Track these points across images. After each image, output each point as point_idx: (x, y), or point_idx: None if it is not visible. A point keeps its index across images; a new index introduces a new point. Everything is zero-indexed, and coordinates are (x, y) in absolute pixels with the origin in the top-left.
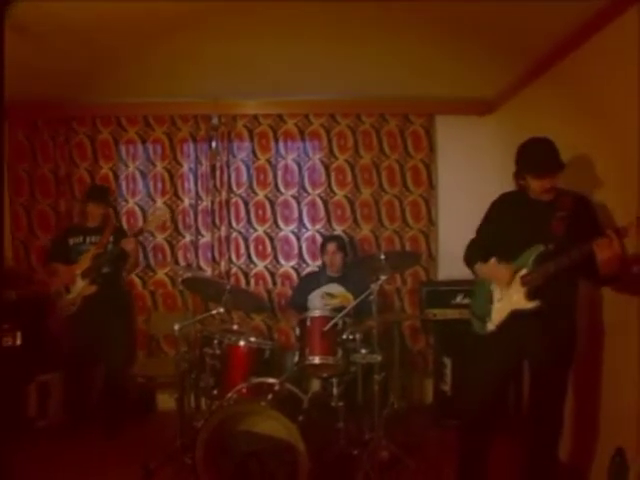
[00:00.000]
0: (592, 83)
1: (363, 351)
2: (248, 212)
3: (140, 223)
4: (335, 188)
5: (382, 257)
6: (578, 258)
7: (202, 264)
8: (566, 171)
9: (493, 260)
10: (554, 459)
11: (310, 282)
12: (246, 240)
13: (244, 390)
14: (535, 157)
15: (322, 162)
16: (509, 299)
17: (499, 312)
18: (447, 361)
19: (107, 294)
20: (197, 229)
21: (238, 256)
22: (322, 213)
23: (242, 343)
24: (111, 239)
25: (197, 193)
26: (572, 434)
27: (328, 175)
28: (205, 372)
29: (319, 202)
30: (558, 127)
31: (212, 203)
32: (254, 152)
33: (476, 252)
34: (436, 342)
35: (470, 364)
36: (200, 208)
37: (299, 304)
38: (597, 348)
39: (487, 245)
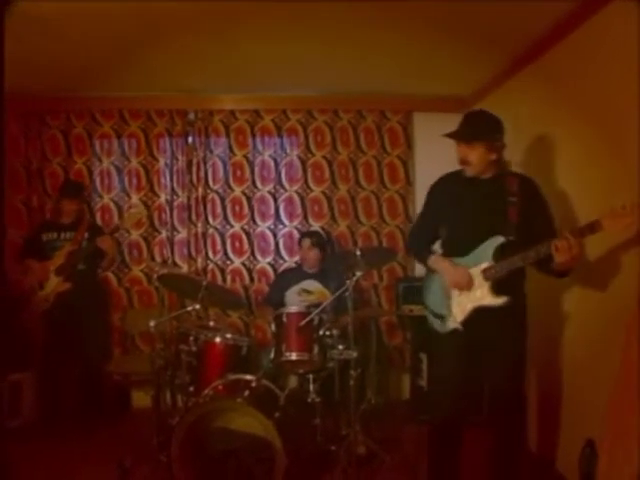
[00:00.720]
0: (568, 80)
1: (340, 347)
2: (225, 208)
3: (115, 219)
4: (312, 184)
5: (358, 253)
6: (543, 256)
7: (178, 260)
8: (536, 161)
9: (444, 259)
10: (521, 446)
11: (287, 278)
12: (222, 236)
13: (220, 387)
14: (459, 124)
15: (299, 158)
16: (471, 294)
17: (461, 308)
18: (423, 357)
19: (82, 291)
20: (173, 225)
21: (215, 252)
22: (299, 209)
23: (218, 340)
24: (86, 235)
25: (173, 189)
26: (539, 426)
27: (305, 171)
28: (181, 369)
29: (296, 198)
30: (534, 123)
31: (188, 199)
32: (231, 148)
33: (423, 243)
34: (413, 338)
35: (436, 361)
36: (176, 204)
37: (276, 301)
38: (558, 340)
39: (432, 233)
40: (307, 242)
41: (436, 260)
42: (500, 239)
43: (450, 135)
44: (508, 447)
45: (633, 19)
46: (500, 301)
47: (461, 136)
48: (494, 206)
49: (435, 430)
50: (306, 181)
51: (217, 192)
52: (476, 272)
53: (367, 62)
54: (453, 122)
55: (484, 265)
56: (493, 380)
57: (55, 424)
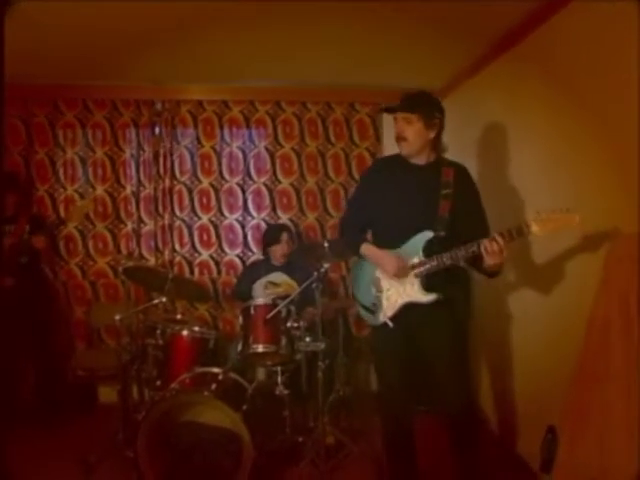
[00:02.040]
0: (539, 72)
1: (307, 339)
2: (192, 200)
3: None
4: (280, 176)
5: (326, 245)
6: (469, 256)
7: (145, 253)
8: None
9: (377, 248)
10: (474, 432)
11: (254, 271)
12: (190, 228)
13: (187, 380)
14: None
15: (267, 150)
16: (402, 290)
17: (391, 303)
18: None
19: (26, 285)
20: (139, 217)
21: (182, 245)
22: (267, 201)
23: (185, 333)
24: (27, 228)
25: (139, 180)
26: (499, 414)
27: (273, 163)
28: (148, 363)
29: (264, 190)
30: (504, 116)
31: (155, 190)
32: (198, 139)
33: (355, 229)
34: None
35: (375, 353)
36: (142, 195)
37: (243, 293)
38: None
39: (365, 219)
40: (286, 236)
41: (368, 248)
42: (429, 234)
43: (389, 108)
44: (460, 434)
45: (602, 7)
46: (429, 298)
47: (399, 107)
48: (427, 197)
49: (386, 423)
50: (274, 173)
51: (184, 184)
52: (411, 265)
53: (336, 54)
54: None
55: (414, 260)
56: (434, 372)
57: (16, 422)
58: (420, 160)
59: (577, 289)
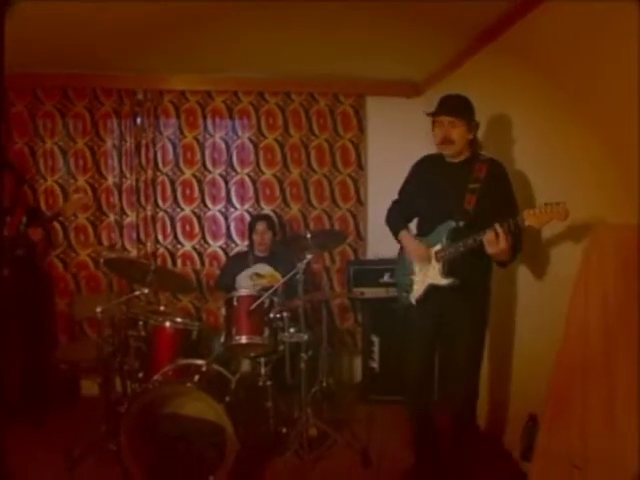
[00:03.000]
0: (521, 64)
1: (291, 330)
2: (175, 191)
3: (60, 202)
4: (264, 167)
5: (309, 236)
6: (474, 246)
7: (127, 245)
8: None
9: (410, 235)
10: (474, 421)
11: (238, 262)
12: (173, 220)
13: (170, 372)
14: (439, 104)
15: (251, 141)
16: (426, 273)
17: (418, 285)
18: (375, 339)
19: (23, 278)
20: (121, 208)
21: (165, 236)
22: (251, 192)
23: (168, 324)
24: (24, 220)
25: (121, 171)
26: (488, 404)
27: (257, 154)
28: (130, 355)
29: (248, 181)
30: (486, 108)
31: (137, 181)
32: (181, 129)
33: (398, 217)
34: (364, 320)
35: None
36: (124, 187)
37: (227, 285)
38: (510, 320)
39: (408, 209)
40: (263, 225)
41: (403, 235)
42: (452, 224)
43: (437, 112)
44: (463, 418)
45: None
46: (445, 282)
47: (449, 110)
48: (456, 191)
49: (413, 411)
50: (258, 164)
51: (167, 175)
52: (431, 253)
53: (320, 45)
54: (405, 107)
55: (437, 247)
56: (448, 362)
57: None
58: (456, 158)
59: (566, 280)
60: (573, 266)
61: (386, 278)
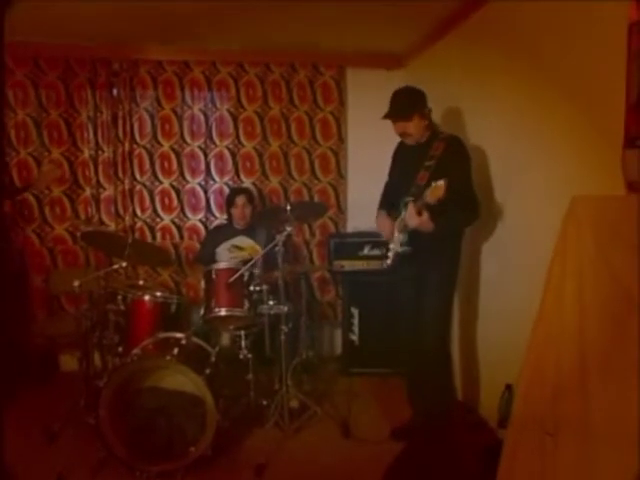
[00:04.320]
0: (504, 36)
1: (270, 302)
2: (153, 164)
3: (35, 175)
4: (243, 139)
5: (288, 208)
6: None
7: (105, 219)
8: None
9: (383, 213)
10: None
11: (217, 235)
12: (151, 193)
13: (150, 346)
14: (390, 104)
15: (230, 112)
16: (394, 242)
17: (391, 252)
18: (355, 311)
19: None
20: (98, 182)
21: (143, 210)
22: (230, 165)
23: (147, 298)
24: None
25: (97, 143)
26: (462, 376)
27: (236, 126)
28: (109, 329)
29: (227, 154)
30: (467, 80)
31: (114, 154)
32: (158, 101)
33: (383, 198)
34: (344, 293)
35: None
36: (101, 159)
37: (207, 258)
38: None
39: (391, 189)
40: (242, 199)
41: (378, 213)
42: (407, 198)
43: (389, 116)
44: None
45: None
46: (401, 250)
47: (399, 114)
48: (414, 169)
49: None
50: (237, 136)
51: (144, 147)
52: (396, 224)
53: (300, 15)
54: (386, 79)
55: (399, 219)
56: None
57: None
58: (418, 141)
59: (543, 253)
60: (548, 238)
61: (366, 251)
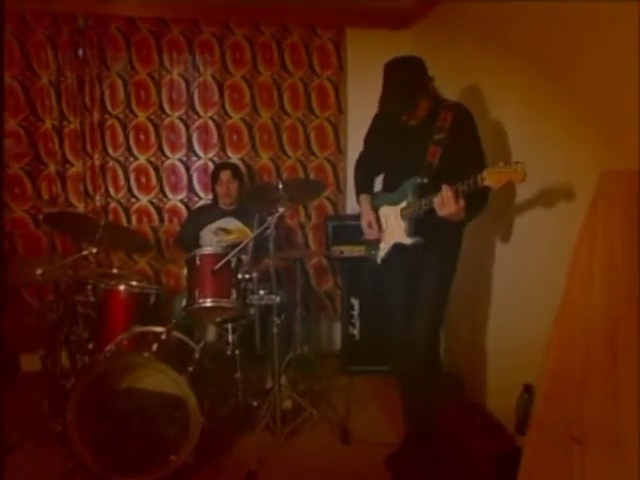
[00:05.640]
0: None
1: (261, 292)
2: (127, 136)
3: None
4: (230, 110)
5: (280, 187)
6: (467, 190)
7: (72, 199)
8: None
9: (368, 202)
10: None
11: (201, 216)
12: (125, 170)
13: (125, 342)
14: (386, 93)
15: (214, 79)
16: (392, 231)
17: (384, 243)
18: (355, 302)
19: None
20: (64, 157)
21: (117, 189)
22: (215, 138)
23: (122, 288)
24: None
25: (62, 113)
26: (472, 376)
27: (222, 94)
28: (78, 324)
29: (211, 126)
30: (477, 47)
31: (82, 125)
32: (132, 64)
33: (364, 175)
34: (344, 282)
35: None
36: (67, 131)
37: (189, 242)
38: (488, 280)
39: (373, 163)
40: (227, 174)
41: (362, 199)
42: (417, 180)
43: (388, 111)
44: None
45: None
46: (410, 241)
47: (403, 109)
48: (420, 144)
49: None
50: (223, 106)
51: (117, 117)
52: (396, 210)
53: None
54: (391, 41)
55: (403, 204)
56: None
57: None
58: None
59: (558, 241)
60: (563, 226)
61: None
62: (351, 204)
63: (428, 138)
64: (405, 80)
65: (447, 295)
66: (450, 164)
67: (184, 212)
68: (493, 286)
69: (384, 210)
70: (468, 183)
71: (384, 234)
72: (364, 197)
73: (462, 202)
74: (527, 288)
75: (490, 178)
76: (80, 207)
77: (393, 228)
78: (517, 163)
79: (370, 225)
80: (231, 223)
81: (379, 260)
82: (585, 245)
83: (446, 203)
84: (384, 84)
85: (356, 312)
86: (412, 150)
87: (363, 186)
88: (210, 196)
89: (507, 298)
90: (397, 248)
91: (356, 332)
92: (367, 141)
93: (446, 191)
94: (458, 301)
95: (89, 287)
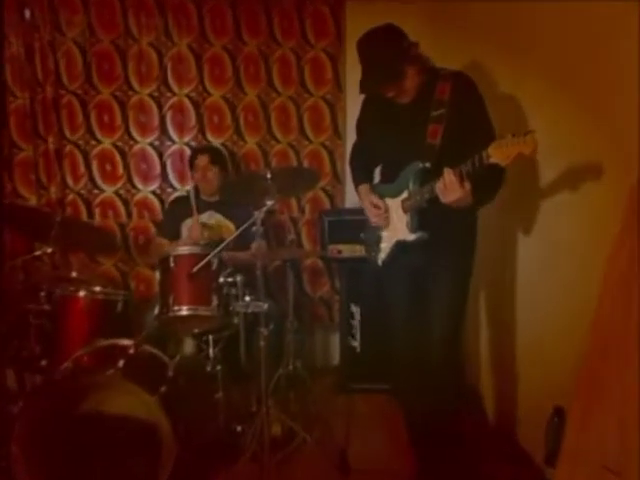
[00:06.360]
0: None
1: (247, 298)
2: (87, 116)
3: None
4: (209, 86)
5: (269, 176)
6: (471, 170)
7: (21, 190)
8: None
9: (369, 190)
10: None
11: (179, 209)
12: (86, 155)
13: (85, 357)
14: (363, 68)
15: (191, 49)
16: (394, 227)
17: (386, 242)
18: (356, 310)
19: None
20: (11, 140)
21: (75, 178)
22: (192, 120)
23: (82, 294)
24: None
25: (6, 86)
26: (495, 397)
27: (200, 68)
28: (29, 337)
29: (188, 105)
30: (492, 22)
31: (32, 102)
32: (92, 30)
33: (361, 164)
34: (342, 286)
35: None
36: (13, 108)
37: (171, 234)
38: (510, 299)
39: (370, 152)
40: (204, 159)
41: (361, 189)
42: (418, 165)
43: (370, 89)
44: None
45: None
46: (413, 236)
47: (386, 81)
48: (417, 124)
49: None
50: (201, 81)
51: (75, 93)
52: (397, 203)
53: None
54: (396, 6)
55: (404, 195)
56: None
57: None
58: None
59: (602, 232)
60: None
61: None
62: (350, 197)
63: (426, 116)
64: (379, 50)
65: (465, 299)
66: (454, 143)
67: (157, 205)
68: (517, 291)
69: (395, 201)
70: (472, 162)
71: (386, 231)
72: (363, 187)
73: (468, 185)
74: (558, 293)
75: (496, 153)
76: (32, 200)
77: (395, 224)
78: (526, 133)
79: (377, 206)
80: (211, 217)
81: (380, 262)
82: (622, 256)
83: (449, 188)
84: (360, 63)
85: (357, 321)
86: (409, 132)
87: (361, 177)
88: (187, 187)
89: (534, 304)
90: (400, 247)
91: (357, 344)
92: (359, 130)
93: (448, 175)
94: (474, 309)
95: (43, 293)
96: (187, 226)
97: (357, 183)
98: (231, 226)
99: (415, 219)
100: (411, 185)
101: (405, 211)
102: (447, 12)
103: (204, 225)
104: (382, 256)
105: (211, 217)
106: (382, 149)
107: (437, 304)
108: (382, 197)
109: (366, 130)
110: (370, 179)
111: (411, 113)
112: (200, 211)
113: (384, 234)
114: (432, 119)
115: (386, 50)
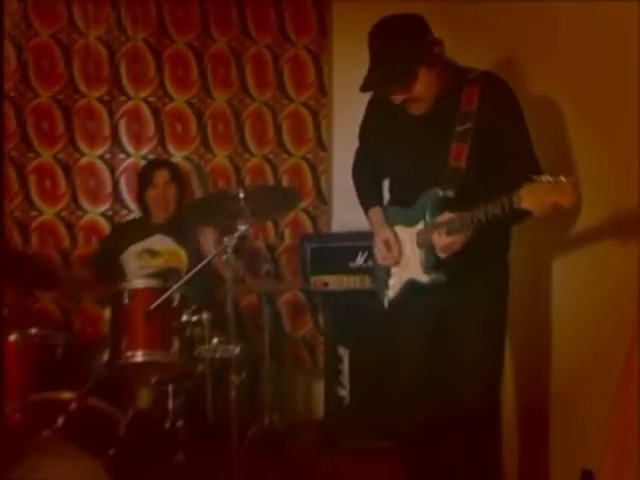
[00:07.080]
0: None
1: (214, 340)
2: (23, 123)
3: None
4: (171, 89)
5: (241, 195)
6: (499, 213)
7: None
8: None
9: (382, 219)
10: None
11: (125, 234)
12: (22, 170)
13: (17, 414)
14: (370, 62)
15: (149, 45)
16: (407, 262)
17: (395, 279)
18: (344, 353)
19: None
20: None
21: (8, 197)
22: (151, 129)
23: (13, 337)
24: None
25: None
26: (521, 454)
27: (159, 67)
28: None
29: (145, 110)
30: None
31: None
32: (29, 20)
33: (369, 179)
34: (328, 325)
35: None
36: None
37: (106, 268)
38: (545, 339)
39: (377, 165)
40: (164, 175)
41: (375, 216)
42: (437, 192)
43: (373, 87)
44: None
45: None
46: (427, 278)
47: (393, 81)
48: (437, 140)
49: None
50: (162, 83)
51: (10, 97)
52: (412, 234)
53: None
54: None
55: (420, 226)
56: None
57: None
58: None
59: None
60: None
61: (360, 261)
62: (338, 219)
63: (449, 132)
64: (391, 41)
65: (503, 342)
66: (484, 168)
67: (107, 230)
68: (553, 325)
69: (409, 232)
70: (501, 204)
71: (394, 268)
72: (374, 210)
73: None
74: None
75: (529, 198)
76: None
77: (408, 259)
78: (566, 180)
79: (388, 245)
80: (160, 242)
81: (386, 303)
82: None
83: (447, 248)
84: (369, 55)
85: (345, 366)
86: (426, 151)
87: (371, 196)
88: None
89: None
90: (412, 286)
91: (345, 394)
92: (362, 136)
93: (439, 237)
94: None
95: None
96: (129, 255)
97: (366, 206)
98: (182, 253)
99: (431, 258)
100: (428, 216)
101: (419, 246)
102: (447, 11)
103: (149, 251)
104: (390, 295)
105: (159, 242)
106: (391, 163)
107: (469, 349)
108: (394, 224)
109: (372, 137)
110: (381, 200)
111: (429, 127)
112: (148, 235)
113: (394, 269)
114: (457, 136)
115: (400, 43)
